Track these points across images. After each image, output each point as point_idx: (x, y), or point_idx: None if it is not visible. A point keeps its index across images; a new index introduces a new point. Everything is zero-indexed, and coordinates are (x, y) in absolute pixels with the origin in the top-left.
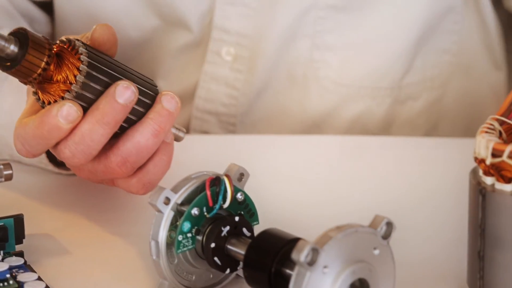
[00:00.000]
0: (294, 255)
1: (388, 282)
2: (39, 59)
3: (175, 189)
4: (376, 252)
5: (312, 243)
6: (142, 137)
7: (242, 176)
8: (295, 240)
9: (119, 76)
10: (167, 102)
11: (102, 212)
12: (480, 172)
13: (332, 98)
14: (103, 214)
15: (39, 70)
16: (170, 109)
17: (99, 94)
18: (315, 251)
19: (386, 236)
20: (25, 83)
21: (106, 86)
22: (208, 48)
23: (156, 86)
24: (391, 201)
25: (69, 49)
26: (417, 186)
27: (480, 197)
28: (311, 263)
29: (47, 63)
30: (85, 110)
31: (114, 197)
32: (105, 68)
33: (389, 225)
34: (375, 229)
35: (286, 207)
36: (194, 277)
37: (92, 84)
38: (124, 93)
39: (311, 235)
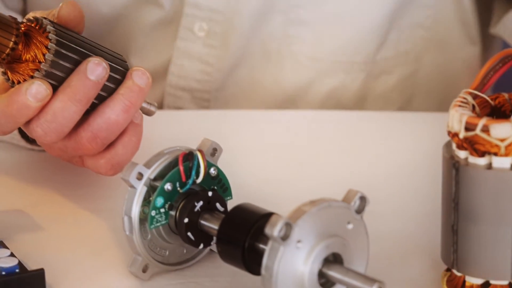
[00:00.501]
0: (267, 230)
1: (362, 256)
2: (6, 39)
3: (148, 164)
4: (350, 226)
5: (286, 218)
6: (112, 112)
7: (215, 151)
8: (269, 215)
9: (89, 53)
10: (138, 77)
11: (75, 188)
12: (454, 146)
13: (306, 73)
14: (76, 190)
15: (7, 50)
16: (141, 85)
17: (69, 72)
18: (288, 226)
19: (360, 211)
20: None
21: (76, 63)
22: (180, 24)
23: (126, 62)
24: (365, 176)
25: (36, 28)
26: (391, 160)
27: (454, 171)
28: (285, 237)
29: (15, 43)
30: (55, 88)
31: (87, 172)
32: (74, 46)
33: (363, 199)
34: (348, 204)
35: (260, 182)
36: (167, 253)
37: (61, 62)
38: (95, 70)
39: (284, 210)
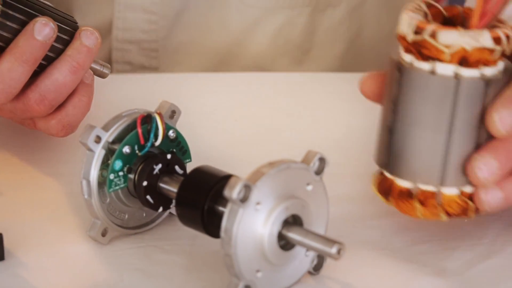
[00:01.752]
0: (226, 192)
1: (322, 217)
2: None
3: (105, 127)
4: (309, 188)
5: (244, 180)
6: (60, 74)
7: (173, 113)
8: (228, 177)
9: (36, 13)
10: (86, 38)
11: (33, 152)
12: (401, 49)
13: (252, 13)
14: (34, 154)
15: None
16: (89, 45)
17: (16, 33)
18: (247, 188)
19: (319, 172)
20: None
21: (23, 24)
22: None
23: (76, 23)
24: (324, 138)
25: None
26: (348, 120)
27: (398, 73)
28: (244, 199)
29: None
30: (3, 49)
31: (45, 136)
32: (21, 6)
33: (322, 160)
34: (307, 165)
35: (219, 144)
36: (126, 216)
37: (8, 23)
38: (42, 30)
39: (244, 172)
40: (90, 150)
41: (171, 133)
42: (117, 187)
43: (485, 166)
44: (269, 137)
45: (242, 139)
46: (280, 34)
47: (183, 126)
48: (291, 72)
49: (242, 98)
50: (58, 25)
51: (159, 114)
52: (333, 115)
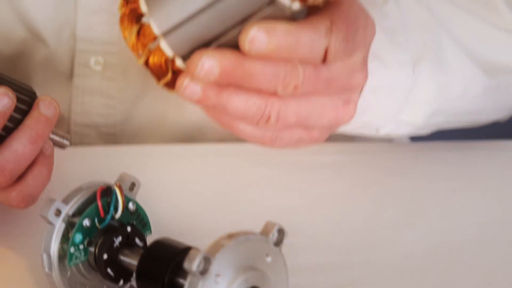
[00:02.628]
0: (186, 265)
1: None
2: None
3: (66, 200)
4: (269, 259)
5: (204, 252)
6: (19, 144)
7: (133, 185)
8: (187, 249)
9: None
10: (44, 107)
11: None
12: None
13: None
14: None
15: None
16: (48, 115)
17: None
18: (207, 260)
19: (278, 243)
20: None
21: None
22: (75, 60)
23: (35, 93)
24: (284, 208)
25: None
26: (308, 190)
27: None
28: (203, 272)
29: None
30: None
31: (5, 208)
32: None
33: (281, 231)
34: (266, 236)
35: (178, 216)
36: None
37: None
38: (1, 100)
39: (203, 243)
40: (50, 223)
41: (131, 206)
42: (77, 260)
43: (208, 63)
44: (229, 207)
45: (201, 210)
46: None
47: (142, 198)
48: (240, 144)
49: (202, 169)
50: (16, 95)
51: (119, 187)
52: (294, 183)
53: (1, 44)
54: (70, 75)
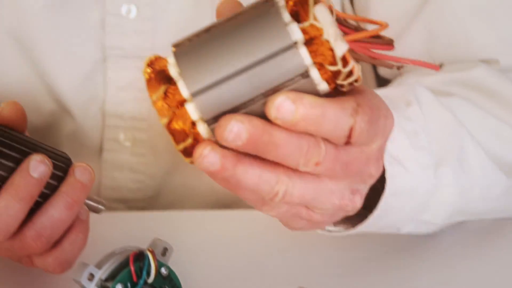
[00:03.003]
0: None
1: None
2: None
3: (99, 265)
4: None
5: None
6: (55, 210)
7: (166, 250)
8: None
9: (30, 151)
10: (80, 174)
11: None
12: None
13: None
14: None
15: None
16: (84, 181)
17: (10, 171)
18: None
19: None
20: None
21: (18, 162)
22: (104, 135)
23: (69, 159)
24: (315, 273)
25: None
26: (340, 257)
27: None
28: None
29: None
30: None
31: (39, 274)
32: (15, 145)
33: None
34: None
35: (211, 280)
36: None
37: (3, 161)
38: (38, 167)
39: None
40: None
41: (163, 270)
42: None
43: (237, 126)
44: (261, 272)
45: (234, 275)
46: None
47: (175, 263)
48: None
49: (235, 235)
50: (52, 162)
51: (151, 252)
52: (325, 250)
53: (31, 115)
54: (100, 149)
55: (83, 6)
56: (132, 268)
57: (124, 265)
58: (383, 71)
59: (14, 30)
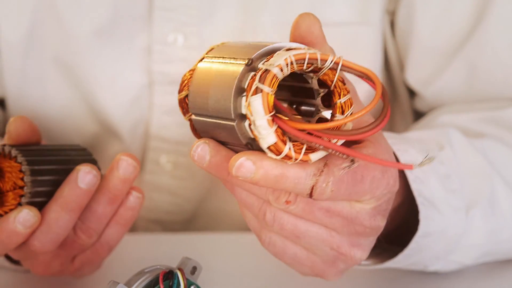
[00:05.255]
0: None
1: None
2: None
3: (128, 283)
4: None
5: None
6: (99, 205)
7: (195, 269)
8: None
9: (59, 158)
10: (123, 170)
11: None
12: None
13: None
14: None
15: None
16: (126, 176)
17: (51, 183)
18: None
19: None
20: None
21: (55, 173)
22: (146, 157)
23: (91, 155)
24: None
25: (2, 157)
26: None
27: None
28: None
29: None
30: (46, 202)
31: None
32: (44, 158)
33: None
34: None
35: None
36: None
37: (40, 178)
38: (85, 178)
39: None
40: None
41: None
42: None
43: (203, 149)
44: None
45: None
46: None
47: (204, 282)
48: None
49: (264, 258)
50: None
51: (181, 270)
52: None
53: (73, 136)
54: (140, 170)
55: (129, 33)
56: (162, 287)
57: (154, 283)
58: (420, 105)
59: (59, 55)
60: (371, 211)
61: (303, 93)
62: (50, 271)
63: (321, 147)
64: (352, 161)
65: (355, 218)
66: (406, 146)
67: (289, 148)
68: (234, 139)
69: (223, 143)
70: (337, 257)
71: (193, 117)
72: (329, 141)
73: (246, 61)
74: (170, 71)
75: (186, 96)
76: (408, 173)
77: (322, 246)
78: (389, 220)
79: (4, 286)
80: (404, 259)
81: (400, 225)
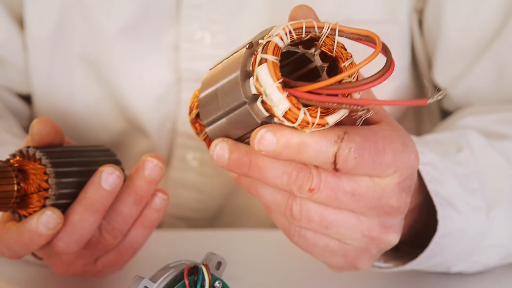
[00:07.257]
0: None
1: None
2: (10, 185)
3: (153, 279)
4: None
5: None
6: (125, 206)
7: (220, 264)
8: None
9: (83, 159)
10: (149, 171)
11: None
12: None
13: None
14: None
15: (15, 194)
16: (153, 178)
17: (75, 185)
18: None
19: None
20: (6, 211)
21: (79, 174)
22: (173, 154)
23: (115, 156)
24: None
25: (26, 159)
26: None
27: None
28: None
29: (18, 184)
30: (70, 203)
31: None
32: (68, 160)
33: None
34: None
35: None
36: None
37: (64, 180)
38: (108, 179)
39: None
40: None
41: (217, 284)
42: None
43: (221, 147)
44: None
45: None
46: None
47: (229, 277)
48: None
49: (289, 255)
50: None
51: (206, 266)
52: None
53: (100, 133)
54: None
55: (157, 30)
56: (187, 282)
57: (178, 278)
58: (446, 104)
59: (87, 52)
60: (396, 188)
61: (310, 78)
62: (72, 271)
63: (335, 104)
64: (368, 110)
65: (381, 198)
66: (423, 148)
67: (304, 113)
68: (250, 126)
69: (240, 141)
70: (369, 243)
71: (208, 129)
72: (341, 98)
73: (247, 46)
74: (198, 68)
75: (197, 115)
76: (425, 174)
77: (352, 234)
78: (410, 223)
79: (27, 280)
80: (425, 260)
81: (421, 230)
